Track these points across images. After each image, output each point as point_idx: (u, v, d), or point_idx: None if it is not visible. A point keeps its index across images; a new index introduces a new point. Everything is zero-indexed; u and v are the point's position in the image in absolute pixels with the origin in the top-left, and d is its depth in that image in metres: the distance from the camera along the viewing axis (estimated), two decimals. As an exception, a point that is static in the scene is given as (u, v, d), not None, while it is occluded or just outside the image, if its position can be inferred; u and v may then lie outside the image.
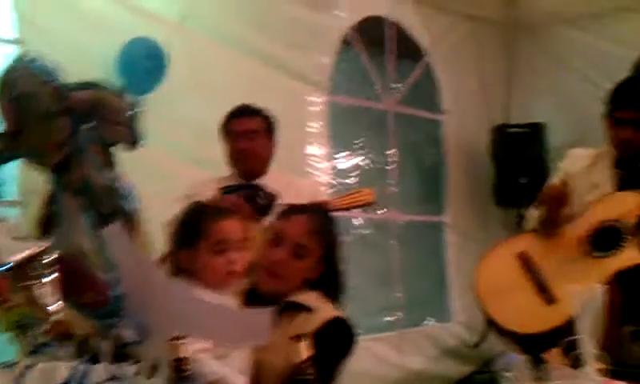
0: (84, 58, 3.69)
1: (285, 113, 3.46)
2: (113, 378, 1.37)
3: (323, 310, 2.15)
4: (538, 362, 2.01)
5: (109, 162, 2.99)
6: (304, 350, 1.78)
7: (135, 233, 3.19)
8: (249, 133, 3.27)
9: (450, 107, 5.69)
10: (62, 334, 2.86)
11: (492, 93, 5.94)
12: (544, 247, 3.00)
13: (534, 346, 2.45)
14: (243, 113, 3.34)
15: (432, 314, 5.72)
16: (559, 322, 2.53)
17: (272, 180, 3.30)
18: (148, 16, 3.90)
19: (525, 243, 3.07)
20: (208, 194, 3.21)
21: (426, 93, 5.67)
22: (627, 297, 2.77)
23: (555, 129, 5.61)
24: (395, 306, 5.34)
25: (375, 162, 5.46)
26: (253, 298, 2.19)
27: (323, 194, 3.42)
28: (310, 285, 2.20)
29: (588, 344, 1.80)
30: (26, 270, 1.25)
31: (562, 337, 1.88)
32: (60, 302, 1.25)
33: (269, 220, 2.84)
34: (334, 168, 5.11)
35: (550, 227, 2.99)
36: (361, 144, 5.41)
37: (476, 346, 4.87)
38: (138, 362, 1.42)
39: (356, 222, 5.05)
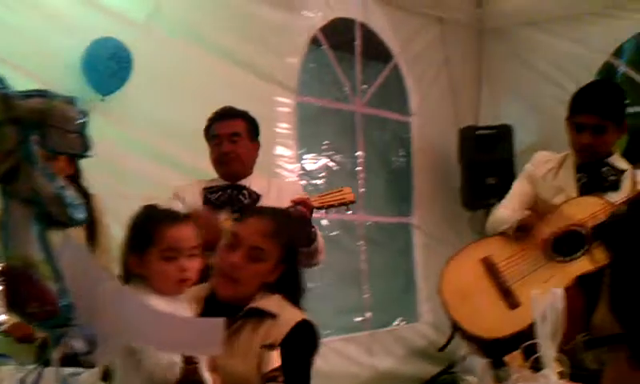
0: (48, 58, 3.67)
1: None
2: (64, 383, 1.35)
3: (288, 315, 2.15)
4: (499, 365, 2.02)
5: (59, 171, 2.97)
6: (275, 359, 1.78)
7: (94, 240, 3.18)
8: (232, 136, 3.27)
9: (418, 109, 5.70)
10: (22, 338, 2.84)
11: (460, 95, 5.96)
12: (508, 252, 3.02)
13: (498, 349, 2.45)
14: (226, 115, 3.34)
15: (401, 314, 5.73)
16: (522, 326, 2.55)
17: (255, 181, 3.31)
18: (113, 15, 3.85)
19: (489, 248, 3.09)
20: (191, 193, 3.22)
21: (394, 95, 5.68)
22: (589, 301, 2.80)
23: (523, 130, 5.65)
24: (364, 306, 5.35)
25: (343, 163, 5.46)
26: (212, 303, 2.18)
27: (304, 195, 3.42)
28: (270, 288, 2.20)
29: (548, 347, 1.82)
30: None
31: (526, 341, 1.89)
32: (4, 315, 1.22)
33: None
34: (302, 169, 5.11)
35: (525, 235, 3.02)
36: (329, 145, 5.41)
37: (442, 349, 4.90)
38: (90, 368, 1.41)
39: (323, 222, 5.05)
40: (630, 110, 5.02)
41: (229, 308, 2.15)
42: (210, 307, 2.18)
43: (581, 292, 2.75)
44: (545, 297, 1.89)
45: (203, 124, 3.93)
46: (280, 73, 4.70)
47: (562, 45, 5.47)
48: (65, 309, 1.29)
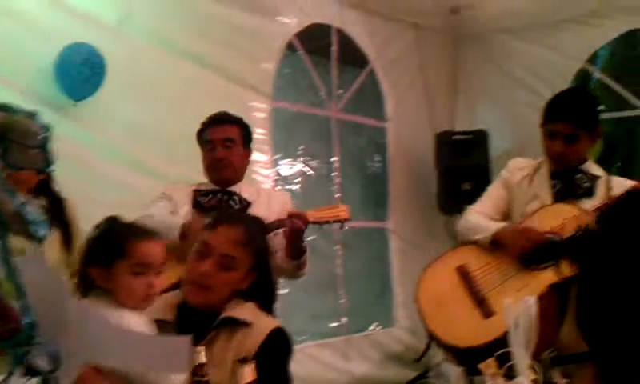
0: (21, 63, 3.63)
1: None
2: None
3: (262, 324, 2.14)
4: (473, 373, 2.02)
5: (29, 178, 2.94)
6: (249, 373, 1.77)
7: (69, 245, 3.14)
8: (226, 141, 3.25)
9: (393, 114, 5.71)
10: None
11: (436, 100, 5.97)
12: (482, 260, 3.02)
13: (473, 358, 2.45)
14: (221, 121, 3.32)
15: (377, 319, 5.74)
16: (496, 335, 2.54)
17: (244, 188, 3.30)
18: (86, 20, 3.81)
19: (464, 256, 3.08)
20: (181, 195, 3.19)
21: (370, 100, 5.68)
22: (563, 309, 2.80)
23: (498, 136, 5.68)
24: (340, 311, 5.35)
25: (319, 168, 5.47)
26: (185, 310, 2.17)
27: (291, 204, 3.42)
28: (242, 295, 2.19)
29: (521, 356, 1.82)
30: None
31: (500, 349, 1.88)
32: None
33: None
34: (278, 174, 5.10)
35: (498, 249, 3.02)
36: (305, 150, 5.41)
37: (419, 359, 4.92)
38: None
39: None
40: (605, 116, 5.09)
41: (201, 315, 2.13)
42: (182, 314, 2.17)
43: (554, 300, 2.75)
44: (517, 305, 1.89)
45: (177, 130, 3.93)
46: (255, 78, 4.68)
47: (538, 51, 5.51)
48: (27, 327, 1.26)
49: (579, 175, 3.11)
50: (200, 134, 3.34)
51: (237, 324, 2.12)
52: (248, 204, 3.21)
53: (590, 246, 0.89)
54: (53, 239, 3.10)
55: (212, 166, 3.27)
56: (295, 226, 3.01)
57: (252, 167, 4.57)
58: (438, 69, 5.98)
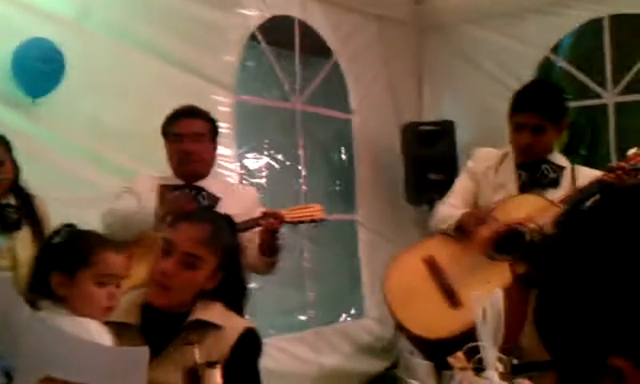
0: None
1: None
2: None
3: (232, 325, 2.10)
4: (441, 367, 2.01)
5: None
6: (216, 377, 1.74)
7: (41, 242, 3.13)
8: (195, 135, 3.20)
9: (358, 106, 5.69)
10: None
11: (402, 91, 5.97)
12: (450, 251, 3.02)
13: (441, 350, 2.45)
14: (189, 114, 3.27)
15: (346, 311, 5.74)
16: (465, 326, 2.54)
17: (211, 184, 3.26)
18: (43, 15, 3.74)
19: (432, 247, 3.08)
20: (146, 189, 3.14)
21: (334, 92, 5.66)
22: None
23: (465, 126, 5.68)
24: (308, 304, 5.33)
25: (284, 161, 5.44)
26: (149, 311, 2.12)
27: (258, 199, 3.39)
28: (210, 295, 2.14)
29: (490, 348, 1.81)
30: None
31: (469, 341, 1.87)
32: None
33: None
34: (243, 168, 5.06)
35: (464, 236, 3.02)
36: (270, 144, 5.37)
37: (388, 350, 4.92)
38: None
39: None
40: (569, 104, 5.12)
41: (166, 317, 2.09)
42: (147, 316, 2.12)
43: (522, 291, 2.75)
44: (485, 297, 1.89)
45: (139, 125, 3.88)
46: (217, 71, 4.63)
47: (502, 41, 5.51)
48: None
49: (545, 165, 3.12)
50: (166, 127, 3.28)
51: (206, 326, 2.07)
52: (217, 200, 3.17)
53: (548, 252, 0.88)
54: (24, 236, 3.12)
55: (180, 160, 3.22)
56: (271, 226, 2.98)
57: (217, 161, 4.54)
58: (402, 60, 5.96)
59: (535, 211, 2.91)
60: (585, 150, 5.82)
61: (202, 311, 2.10)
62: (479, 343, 1.85)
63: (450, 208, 3.20)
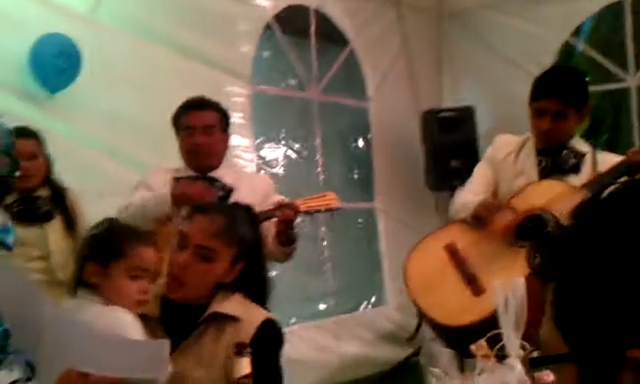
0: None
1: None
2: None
3: (251, 317, 2.08)
4: (464, 354, 2.00)
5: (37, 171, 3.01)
6: (246, 365, 1.74)
7: (73, 232, 3.22)
8: (206, 128, 3.19)
9: (375, 94, 5.66)
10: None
11: (421, 78, 5.93)
12: (472, 238, 3.00)
13: (463, 337, 2.44)
14: (199, 106, 3.24)
15: (367, 299, 5.74)
16: (487, 313, 2.52)
17: (225, 174, 3.24)
18: (58, 9, 3.77)
19: (453, 234, 3.07)
20: (160, 182, 3.15)
21: (351, 80, 5.64)
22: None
23: (485, 112, 5.65)
24: (329, 292, 5.34)
25: (302, 151, 5.44)
26: (168, 305, 2.11)
27: (273, 187, 3.39)
28: (230, 287, 2.12)
29: (512, 336, 1.80)
30: None
31: (491, 328, 1.87)
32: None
33: None
34: (260, 158, 5.06)
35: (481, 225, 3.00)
36: (287, 133, 5.37)
37: (411, 338, 4.91)
38: None
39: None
40: (591, 89, 5.06)
41: (185, 309, 2.08)
42: (166, 309, 2.12)
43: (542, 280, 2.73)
44: (506, 285, 1.88)
45: (154, 116, 3.89)
46: (232, 62, 4.63)
47: (522, 26, 5.46)
48: (0, 335, 1.23)
49: (565, 152, 3.09)
50: (176, 120, 3.28)
51: (224, 318, 2.06)
52: (230, 190, 3.16)
53: (565, 244, 0.87)
54: (56, 227, 3.25)
55: (191, 152, 3.21)
56: (286, 217, 2.97)
57: (234, 152, 4.55)
58: (422, 46, 5.92)
59: (556, 198, 2.88)
60: (607, 134, 5.77)
61: (221, 303, 2.08)
62: (501, 331, 1.85)
63: (468, 196, 3.17)
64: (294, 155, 5.41)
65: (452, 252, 3.00)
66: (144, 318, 2.02)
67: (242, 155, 4.59)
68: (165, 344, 1.68)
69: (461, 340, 2.47)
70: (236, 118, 4.59)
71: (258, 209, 2.80)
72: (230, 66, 4.60)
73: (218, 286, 2.11)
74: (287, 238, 3.04)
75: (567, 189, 2.91)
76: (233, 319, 2.05)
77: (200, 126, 3.18)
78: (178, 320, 2.06)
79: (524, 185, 3.07)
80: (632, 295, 0.77)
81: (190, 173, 3.22)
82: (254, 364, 1.80)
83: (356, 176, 5.85)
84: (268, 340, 2.08)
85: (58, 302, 2.98)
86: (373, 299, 5.75)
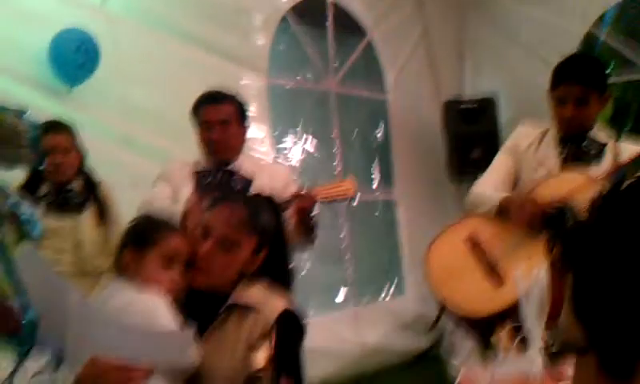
0: (15, 50, 3.63)
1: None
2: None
3: (270, 307, 2.08)
4: (485, 345, 2.01)
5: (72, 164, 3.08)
6: (261, 358, 1.74)
7: (105, 223, 3.28)
8: (222, 122, 3.17)
9: (394, 85, 5.64)
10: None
11: (442, 68, 5.91)
12: (492, 229, 2.98)
13: (484, 328, 2.45)
14: (215, 100, 3.22)
15: (386, 289, 5.74)
16: (508, 304, 2.52)
17: (244, 165, 3.24)
18: (77, 4, 3.81)
19: (473, 225, 3.05)
20: (180, 175, 3.16)
21: (369, 72, 5.62)
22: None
23: (507, 102, 5.62)
24: (348, 282, 5.35)
25: (319, 143, 5.42)
26: (192, 294, 2.13)
27: (292, 177, 3.39)
28: (254, 276, 2.13)
29: (533, 327, 1.80)
30: None
31: (512, 319, 1.87)
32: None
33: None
34: (277, 150, 5.06)
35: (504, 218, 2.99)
36: (304, 126, 5.34)
37: (432, 329, 4.90)
38: None
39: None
40: (614, 79, 5.02)
41: (209, 298, 2.10)
42: (190, 297, 2.14)
43: (562, 271, 2.71)
44: (528, 276, 1.88)
45: (172, 108, 3.91)
46: (249, 55, 4.63)
47: (544, 16, 5.40)
48: (28, 325, 1.26)
49: (586, 142, 3.06)
50: (194, 113, 3.29)
51: (245, 308, 2.07)
52: (250, 181, 3.17)
53: (584, 236, 0.87)
54: (88, 219, 3.37)
55: (209, 146, 3.22)
56: (303, 206, 2.97)
57: (250, 144, 4.56)
58: (442, 36, 5.89)
59: (577, 189, 2.86)
60: (630, 124, 5.72)
61: (242, 293, 2.09)
62: (523, 321, 1.85)
63: (487, 189, 3.15)
64: (311, 148, 5.40)
65: (473, 243, 2.99)
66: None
67: (258, 148, 4.59)
68: (190, 334, 1.69)
69: (482, 330, 2.47)
70: (252, 110, 4.62)
71: (276, 199, 2.81)
72: (247, 58, 4.61)
73: (241, 275, 2.12)
74: (306, 227, 3.04)
75: (588, 180, 2.89)
76: (253, 310, 2.06)
77: (216, 120, 3.17)
78: (203, 309, 2.08)
79: (545, 176, 3.05)
80: None
81: (210, 166, 3.23)
82: (274, 353, 1.80)
83: (375, 167, 5.84)
84: (287, 329, 2.08)
85: (85, 292, 3.06)
86: (391, 289, 5.75)
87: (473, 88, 5.92)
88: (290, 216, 3.02)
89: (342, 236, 5.32)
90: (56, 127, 3.31)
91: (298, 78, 5.27)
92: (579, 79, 2.95)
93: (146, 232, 2.04)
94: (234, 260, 2.10)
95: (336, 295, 5.35)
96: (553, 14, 5.35)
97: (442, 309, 3.03)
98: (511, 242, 2.92)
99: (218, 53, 4.40)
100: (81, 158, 3.40)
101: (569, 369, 1.65)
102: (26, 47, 3.67)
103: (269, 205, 2.26)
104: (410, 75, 5.71)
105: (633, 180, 0.87)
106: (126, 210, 3.40)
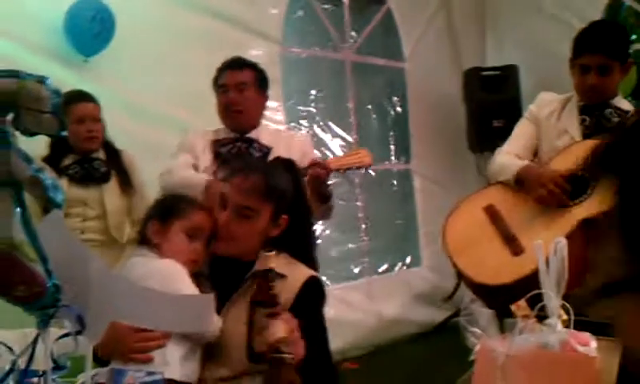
0: (30, 20, 3.62)
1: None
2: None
3: (296, 274, 2.10)
4: (503, 314, 1.99)
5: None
6: (280, 328, 1.74)
7: (128, 191, 3.32)
8: (238, 85, 3.19)
9: (412, 53, 5.58)
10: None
11: (463, 37, 5.84)
12: (510, 199, 2.97)
13: (503, 297, 2.42)
14: (235, 65, 3.24)
15: (402, 260, 5.73)
16: (527, 272, 2.51)
17: (263, 134, 3.23)
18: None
19: (492, 195, 3.03)
20: (201, 145, 3.17)
21: (386, 41, 5.55)
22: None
23: (529, 71, 5.54)
24: (365, 253, 5.34)
25: (334, 113, 5.36)
26: (217, 263, 2.15)
27: (312, 148, 3.39)
28: (276, 243, 2.13)
29: (552, 296, 1.78)
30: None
31: (531, 288, 1.85)
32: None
33: None
34: (292, 120, 5.01)
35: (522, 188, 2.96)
36: (318, 95, 5.29)
37: (449, 298, 4.89)
38: None
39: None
40: (637, 46, 4.94)
41: (233, 265, 2.11)
42: (215, 266, 2.16)
43: (582, 238, 2.70)
44: (548, 245, 1.85)
45: (187, 79, 3.92)
46: (262, 24, 4.60)
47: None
48: (52, 290, 1.27)
49: (609, 110, 3.03)
50: (215, 81, 3.30)
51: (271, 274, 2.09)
52: (268, 150, 3.17)
53: (626, 151, 0.82)
54: (112, 188, 3.43)
55: (226, 110, 3.21)
56: (316, 175, 2.96)
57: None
58: (463, 4, 5.82)
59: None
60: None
61: (265, 261, 2.11)
62: (542, 291, 1.82)
63: (508, 157, 3.13)
64: (326, 117, 5.34)
65: (491, 213, 2.97)
66: (194, 275, 2.07)
67: (272, 117, 4.57)
68: (210, 298, 1.70)
69: (500, 300, 2.44)
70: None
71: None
72: (260, 27, 4.58)
73: (265, 242, 2.13)
74: (321, 196, 3.04)
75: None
76: (279, 276, 2.07)
77: (233, 84, 3.19)
78: (228, 276, 2.10)
79: (567, 143, 3.02)
80: None
81: (229, 135, 3.23)
82: (300, 319, 1.81)
83: (392, 137, 5.80)
84: (312, 296, 2.11)
85: (110, 262, 3.10)
86: (408, 260, 5.74)
87: (495, 57, 5.85)
88: (305, 184, 3.02)
89: (358, 206, 5.30)
90: (85, 97, 3.38)
91: (313, 47, 5.21)
92: (602, 48, 2.92)
93: (172, 206, 2.13)
94: (253, 227, 2.12)
95: (352, 266, 5.34)
96: (576, -20, 5.26)
97: (460, 278, 3.02)
98: (529, 211, 2.90)
99: (232, 23, 4.38)
100: (104, 128, 3.45)
101: (589, 337, 1.63)
102: (41, 17, 3.66)
103: (287, 171, 2.27)
104: (429, 44, 5.65)
105: None
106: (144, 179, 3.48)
